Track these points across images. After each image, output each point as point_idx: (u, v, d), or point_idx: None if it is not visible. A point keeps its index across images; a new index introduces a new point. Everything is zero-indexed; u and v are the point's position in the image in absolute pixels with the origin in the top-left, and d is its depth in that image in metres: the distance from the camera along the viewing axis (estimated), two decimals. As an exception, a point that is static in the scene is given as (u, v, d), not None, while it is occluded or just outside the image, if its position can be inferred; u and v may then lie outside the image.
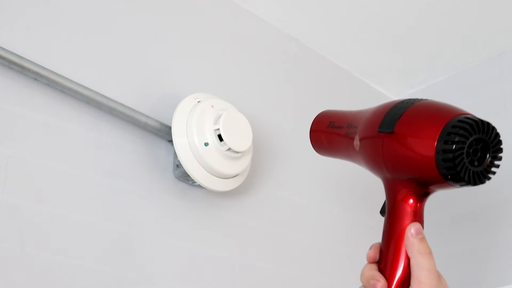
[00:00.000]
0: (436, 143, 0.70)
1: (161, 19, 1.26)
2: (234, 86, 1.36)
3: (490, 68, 1.54)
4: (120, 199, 1.12)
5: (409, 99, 0.77)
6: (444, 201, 1.50)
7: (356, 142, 0.80)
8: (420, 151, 0.71)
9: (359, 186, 1.53)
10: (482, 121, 0.70)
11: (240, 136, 1.18)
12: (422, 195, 0.75)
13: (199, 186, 1.19)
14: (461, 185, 0.71)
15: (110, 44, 1.17)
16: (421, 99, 0.76)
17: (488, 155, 0.71)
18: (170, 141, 1.18)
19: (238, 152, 1.18)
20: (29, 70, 1.02)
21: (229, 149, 1.16)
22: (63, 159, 1.06)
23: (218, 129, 1.16)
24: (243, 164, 1.21)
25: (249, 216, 1.30)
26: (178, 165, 1.18)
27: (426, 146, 0.71)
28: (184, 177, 1.19)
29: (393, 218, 0.76)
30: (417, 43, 1.52)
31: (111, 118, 1.13)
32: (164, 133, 1.18)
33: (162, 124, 1.17)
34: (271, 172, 1.37)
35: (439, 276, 0.74)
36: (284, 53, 1.48)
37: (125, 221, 1.11)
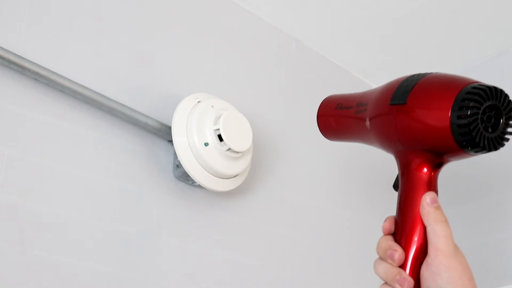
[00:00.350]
0: (450, 110, 0.70)
1: (161, 19, 1.26)
2: (234, 86, 1.36)
3: (490, 68, 1.54)
4: (120, 199, 1.12)
5: (419, 73, 0.77)
6: (445, 200, 1.49)
7: (367, 120, 0.80)
8: (434, 120, 0.72)
9: (360, 186, 1.53)
10: (495, 87, 0.71)
11: (240, 136, 1.18)
12: (436, 165, 0.75)
13: (199, 186, 1.19)
14: (476, 152, 0.72)
15: (110, 44, 1.17)
16: (431, 72, 0.76)
17: (501, 121, 0.71)
18: (170, 141, 1.18)
19: (238, 152, 1.18)
20: (29, 70, 1.02)
21: (229, 149, 1.16)
22: (63, 159, 1.06)
23: (218, 129, 1.16)
24: (243, 164, 1.21)
25: (249, 216, 1.30)
26: (178, 165, 1.18)
27: (441, 114, 0.71)
28: (184, 177, 1.19)
29: (408, 188, 0.76)
30: (417, 43, 1.52)
31: (111, 118, 1.13)
32: (164, 133, 1.18)
33: (162, 124, 1.17)
34: (271, 172, 1.37)
35: (455, 245, 0.74)
36: (283, 53, 1.48)
37: (124, 221, 1.11)
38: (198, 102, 1.19)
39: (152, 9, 1.25)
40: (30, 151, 1.03)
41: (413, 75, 0.77)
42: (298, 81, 1.49)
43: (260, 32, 1.44)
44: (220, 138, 1.16)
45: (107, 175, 1.11)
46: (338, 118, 0.88)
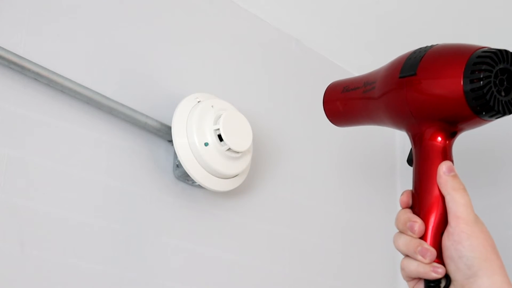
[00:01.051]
0: (462, 76, 0.70)
1: (161, 19, 1.26)
2: (234, 86, 1.36)
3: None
4: (120, 199, 1.12)
5: (426, 46, 0.77)
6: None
7: (377, 98, 0.80)
8: (447, 87, 0.71)
9: (360, 187, 1.53)
10: (505, 50, 0.71)
11: (240, 136, 1.18)
12: (450, 134, 0.75)
13: (199, 186, 1.19)
14: (491, 117, 0.71)
15: (110, 44, 1.17)
16: (438, 43, 0.76)
17: None
18: (170, 141, 1.18)
19: (238, 152, 1.18)
20: (29, 70, 1.02)
21: (229, 149, 1.16)
22: (63, 159, 1.06)
23: (218, 129, 1.16)
24: (243, 164, 1.21)
25: (249, 216, 1.30)
26: (178, 165, 1.18)
27: (453, 81, 0.71)
28: (184, 177, 1.19)
29: (423, 159, 0.76)
30: (417, 43, 1.51)
31: (111, 118, 1.13)
32: (164, 133, 1.18)
33: (162, 124, 1.17)
34: (271, 172, 1.37)
35: (475, 214, 0.74)
36: (284, 53, 1.48)
37: (124, 221, 1.11)
38: (198, 102, 1.19)
39: (152, 9, 1.25)
40: (30, 151, 1.03)
41: (420, 48, 0.77)
42: (298, 81, 1.49)
43: (260, 32, 1.44)
44: (220, 138, 1.16)
45: (107, 175, 1.11)
46: (346, 101, 0.87)
